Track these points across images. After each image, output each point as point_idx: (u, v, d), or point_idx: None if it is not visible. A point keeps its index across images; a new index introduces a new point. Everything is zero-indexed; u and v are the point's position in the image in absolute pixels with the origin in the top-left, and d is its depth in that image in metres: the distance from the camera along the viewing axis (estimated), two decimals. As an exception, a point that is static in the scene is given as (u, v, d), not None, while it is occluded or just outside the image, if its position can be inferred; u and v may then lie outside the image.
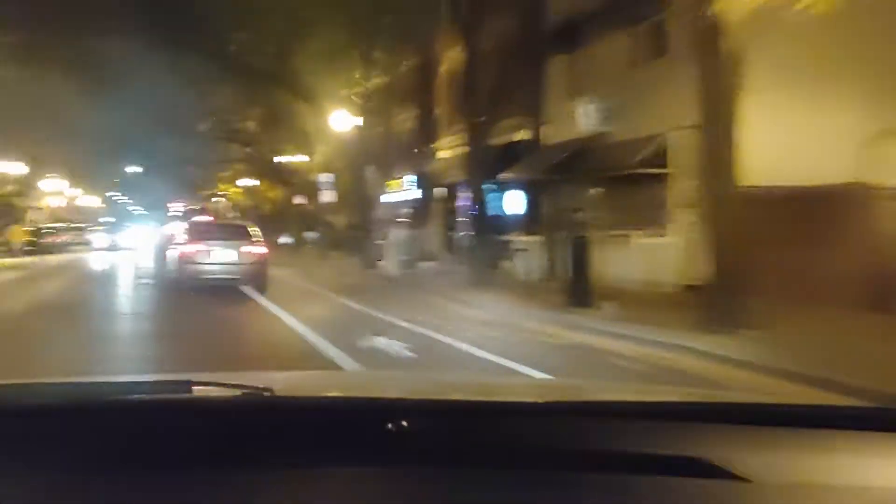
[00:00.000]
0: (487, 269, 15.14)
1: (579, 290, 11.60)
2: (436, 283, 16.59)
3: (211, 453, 1.35)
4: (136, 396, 1.56)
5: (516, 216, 19.07)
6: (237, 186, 49.02)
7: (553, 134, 17.96)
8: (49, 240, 39.29)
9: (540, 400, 1.69)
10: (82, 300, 14.86)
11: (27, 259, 27.02)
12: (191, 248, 15.11)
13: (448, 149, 24.06)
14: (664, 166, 14.27)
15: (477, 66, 16.62)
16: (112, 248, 38.51)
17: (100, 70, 26.40)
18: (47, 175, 53.67)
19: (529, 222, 18.68)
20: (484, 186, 20.13)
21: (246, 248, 15.22)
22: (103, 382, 1.91)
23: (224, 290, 15.11)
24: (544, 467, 1.31)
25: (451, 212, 24.44)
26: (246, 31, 22.77)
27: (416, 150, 27.10)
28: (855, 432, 1.45)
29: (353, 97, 23.32)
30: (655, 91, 14.16)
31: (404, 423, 1.36)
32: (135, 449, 1.35)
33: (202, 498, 1.23)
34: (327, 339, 9.14)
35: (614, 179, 14.42)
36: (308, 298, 15.10)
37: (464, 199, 22.76)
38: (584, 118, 12.59)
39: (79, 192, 65.05)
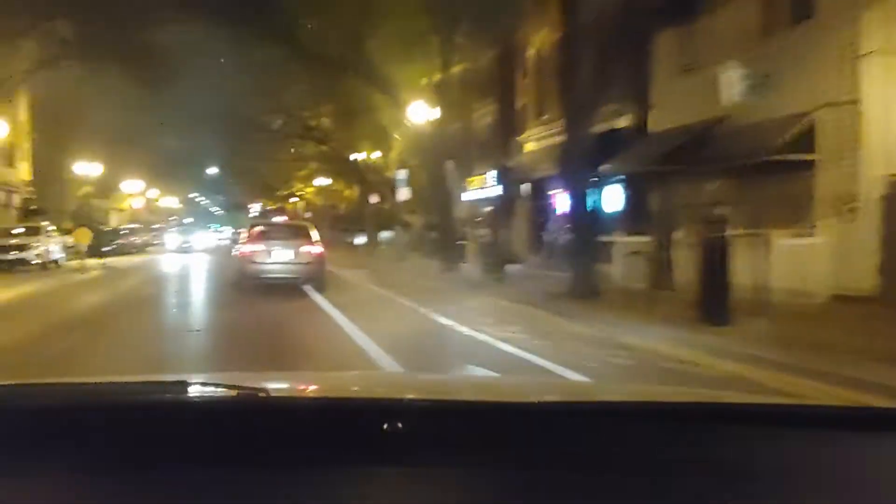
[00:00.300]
0: (588, 274, 12.98)
1: (715, 302, 9.37)
2: (527, 290, 14.53)
3: (206, 454, 1.33)
4: (131, 397, 1.54)
5: (617, 214, 16.82)
6: (313, 186, 48.13)
7: (662, 119, 15.65)
8: (123, 241, 39.01)
9: (538, 400, 1.65)
10: (126, 307, 13.51)
11: (91, 261, 26.32)
12: (251, 248, 15.48)
13: (536, 141, 21.98)
14: (810, 151, 11.78)
15: (577, 45, 14.46)
16: (184, 249, 37.29)
17: (175, 68, 25.59)
18: (127, 177, 54.07)
19: (632, 221, 16.41)
20: (571, 181, 18.05)
21: (304, 248, 15.41)
22: (100, 383, 1.78)
23: (285, 295, 14.10)
24: (542, 468, 1.31)
25: (538, 210, 22.34)
26: (319, 16, 21.26)
27: (498, 144, 25.09)
28: (855, 432, 1.43)
29: (432, 87, 21.51)
30: (797, 62, 11.76)
31: (400, 424, 1.35)
32: (131, 449, 1.34)
33: (198, 499, 1.23)
34: (398, 358, 7.30)
35: (746, 169, 12.07)
36: (379, 305, 13.32)
37: (556, 196, 20.65)
38: (727, 88, 10.36)
39: (157, 192, 65.60)
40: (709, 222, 9.57)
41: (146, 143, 56.64)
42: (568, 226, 17.19)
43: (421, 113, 21.14)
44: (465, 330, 9.94)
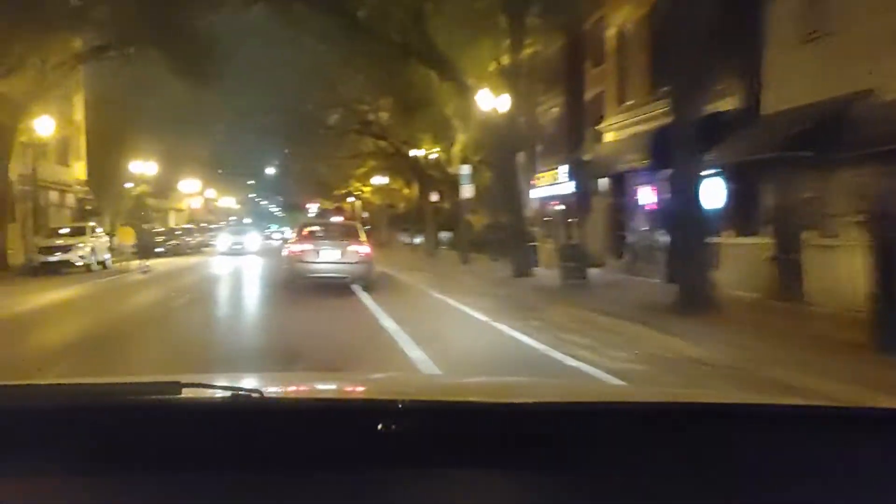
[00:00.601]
0: (699, 282, 10.70)
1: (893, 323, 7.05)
2: (617, 299, 12.33)
3: (201, 455, 1.34)
4: (127, 399, 1.55)
5: (720, 210, 14.44)
6: (370, 185, 46.49)
7: (778, 98, 13.21)
8: (177, 241, 38.02)
9: (534, 400, 1.62)
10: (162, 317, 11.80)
11: (134, 263, 25.16)
12: (299, 248, 15.50)
13: (616, 130, 19.68)
14: None
15: (680, 12, 12.16)
16: (235, 250, 34.88)
17: (231, 62, 24.34)
18: (184, 177, 53.57)
19: (741, 218, 14.04)
20: (676, 172, 15.77)
21: (352, 248, 15.37)
22: (96, 384, 1.79)
23: (338, 304, 12.62)
24: (537, 468, 1.31)
25: (617, 207, 20.04)
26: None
27: (571, 136, 22.82)
28: (851, 431, 1.43)
29: (500, 73, 19.45)
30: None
31: (394, 426, 1.36)
32: (126, 451, 1.35)
33: (193, 499, 1.24)
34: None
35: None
36: (445, 318, 11.29)
37: (640, 191, 18.35)
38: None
39: (214, 192, 65.23)
40: (884, 218, 7.22)
41: (204, 142, 56.46)
42: (662, 224, 15.01)
43: (488, 102, 19.10)
44: (557, 355, 7.85)
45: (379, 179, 43.46)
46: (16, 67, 20.44)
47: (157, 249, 35.30)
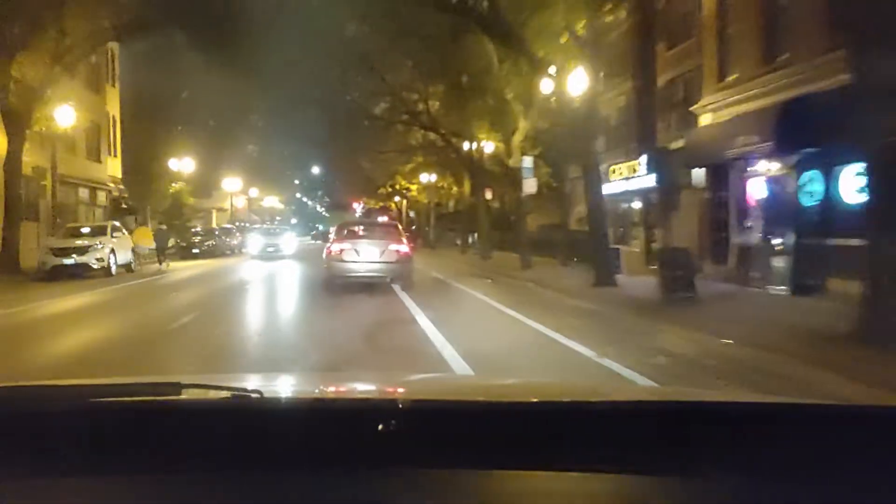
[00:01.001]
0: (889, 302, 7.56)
1: None
2: (749, 319, 9.28)
3: (202, 455, 1.33)
4: (128, 399, 1.53)
5: (858, 207, 11.19)
6: (418, 182, 43.79)
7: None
8: (216, 242, 35.81)
9: (533, 400, 1.65)
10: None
11: (155, 266, 22.85)
12: (338, 247, 15.22)
13: (715, 111, 16.53)
14: None
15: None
16: (269, 254, 30.19)
17: (273, 47, 22.00)
18: (226, 175, 51.83)
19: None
20: (802, 158, 12.75)
21: (391, 247, 15.12)
22: (96, 385, 1.83)
23: (385, 317, 10.78)
24: (536, 467, 1.30)
25: (717, 202, 16.87)
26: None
27: (647, 122, 19.67)
28: (848, 429, 1.41)
29: (574, 44, 16.49)
30: None
31: (394, 426, 1.36)
32: (127, 451, 1.35)
33: (194, 499, 1.24)
34: None
35: None
36: (529, 351, 8.31)
37: (756, 182, 15.17)
38: None
39: (256, 191, 63.43)
40: None
41: (247, 138, 54.80)
42: (790, 223, 12.04)
43: (559, 81, 16.19)
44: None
45: (426, 177, 40.76)
46: (26, 42, 18.12)
47: (193, 251, 33.17)
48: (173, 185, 39.18)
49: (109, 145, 34.93)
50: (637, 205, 21.95)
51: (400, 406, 1.50)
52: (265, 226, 43.58)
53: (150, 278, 20.25)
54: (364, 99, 29.38)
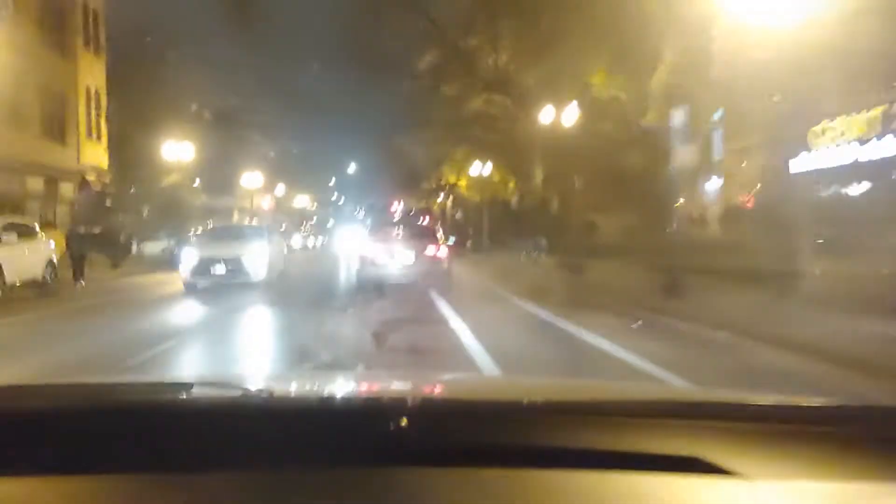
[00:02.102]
0: None
1: None
2: None
3: (210, 454, 1.30)
4: (135, 398, 1.52)
5: None
6: (469, 176, 35.78)
7: None
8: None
9: (538, 399, 1.57)
10: None
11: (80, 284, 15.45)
12: (370, 250, 14.79)
13: None
14: None
15: None
16: (215, 278, 15.05)
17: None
18: (246, 169, 45.24)
19: None
20: None
21: (426, 251, 14.48)
22: (104, 385, 1.80)
23: None
24: (541, 466, 1.28)
25: None
26: None
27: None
28: (847, 429, 1.39)
29: None
30: None
31: (403, 423, 1.33)
32: (133, 450, 1.31)
33: (202, 499, 1.22)
34: None
35: None
36: None
37: None
38: None
39: (283, 190, 56.63)
40: None
41: (271, 131, 48.46)
42: None
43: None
44: None
45: (479, 167, 32.72)
46: None
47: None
48: (167, 175, 32.11)
49: (89, 126, 27.96)
50: (861, 189, 13.61)
51: (410, 405, 1.42)
52: (220, 225, 21.63)
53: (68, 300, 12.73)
54: (404, 49, 21.61)
